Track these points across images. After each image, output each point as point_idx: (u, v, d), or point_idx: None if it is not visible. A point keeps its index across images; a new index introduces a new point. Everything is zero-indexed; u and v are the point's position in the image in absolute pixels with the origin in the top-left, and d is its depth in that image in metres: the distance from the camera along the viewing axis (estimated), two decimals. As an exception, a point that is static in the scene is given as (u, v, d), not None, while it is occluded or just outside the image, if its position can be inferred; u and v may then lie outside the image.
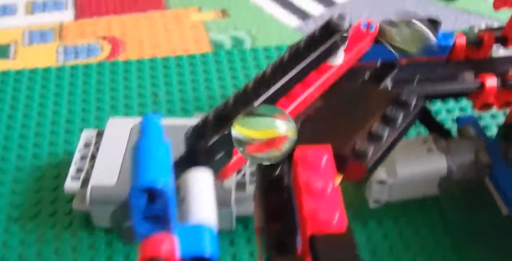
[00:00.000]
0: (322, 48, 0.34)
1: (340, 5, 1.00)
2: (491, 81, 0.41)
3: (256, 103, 0.32)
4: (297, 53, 0.35)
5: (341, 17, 0.35)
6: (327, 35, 0.35)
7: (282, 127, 0.29)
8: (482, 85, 0.41)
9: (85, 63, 0.85)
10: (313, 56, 0.34)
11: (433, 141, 0.56)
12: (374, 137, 0.33)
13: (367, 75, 0.38)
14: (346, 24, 0.35)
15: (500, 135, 0.63)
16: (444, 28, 0.55)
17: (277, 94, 0.34)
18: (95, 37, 0.91)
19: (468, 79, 0.42)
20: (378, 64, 0.39)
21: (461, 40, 0.44)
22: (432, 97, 0.42)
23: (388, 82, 0.39)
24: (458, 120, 0.63)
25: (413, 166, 0.53)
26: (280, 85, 0.33)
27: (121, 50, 0.88)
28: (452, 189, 0.56)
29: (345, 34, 0.35)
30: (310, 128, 0.33)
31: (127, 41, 0.90)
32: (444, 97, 0.45)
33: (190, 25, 0.93)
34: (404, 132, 0.35)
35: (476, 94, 0.42)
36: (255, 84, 0.33)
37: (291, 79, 0.34)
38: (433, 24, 0.42)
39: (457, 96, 0.47)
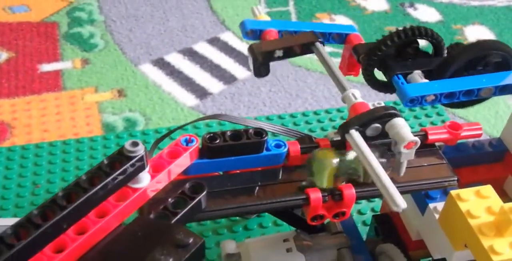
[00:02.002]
0: (113, 176, 0.33)
1: (241, 81, 1.01)
2: (315, 195, 0.41)
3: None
4: (94, 177, 0.33)
5: (135, 143, 0.35)
6: (120, 162, 0.34)
7: None
8: (307, 199, 0.41)
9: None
10: (105, 183, 0.33)
11: (294, 239, 0.54)
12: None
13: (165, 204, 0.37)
14: (139, 150, 0.34)
15: (371, 228, 0.63)
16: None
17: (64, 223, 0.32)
18: (-18, 121, 0.88)
19: (295, 191, 0.41)
20: (187, 185, 0.38)
21: (295, 148, 0.44)
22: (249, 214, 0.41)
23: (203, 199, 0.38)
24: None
25: (271, 269, 0.52)
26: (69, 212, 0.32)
27: (8, 136, 0.85)
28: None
29: (137, 161, 0.34)
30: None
31: (16, 125, 0.88)
32: (265, 212, 0.44)
33: (84, 107, 0.91)
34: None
35: (305, 206, 0.42)
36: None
37: (81, 205, 0.32)
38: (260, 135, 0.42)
39: (283, 210, 0.46)
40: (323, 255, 0.54)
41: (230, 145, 0.40)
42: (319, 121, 0.90)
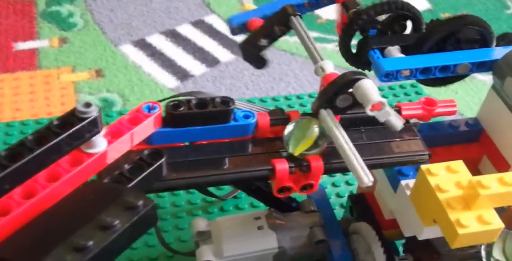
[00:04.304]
0: (62, 137, 0.33)
1: (224, 64, 1.02)
2: (281, 165, 0.41)
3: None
4: (41, 137, 0.33)
5: (87, 104, 0.35)
6: (71, 123, 0.34)
7: None
8: (273, 169, 0.41)
9: None
10: (53, 144, 0.33)
11: (266, 217, 0.55)
12: (77, 248, 0.30)
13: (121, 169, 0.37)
14: (92, 112, 0.35)
15: (346, 209, 0.64)
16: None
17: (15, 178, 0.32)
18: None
19: (262, 162, 0.42)
20: (146, 151, 0.39)
21: (264, 120, 0.45)
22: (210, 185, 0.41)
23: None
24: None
25: (241, 246, 0.53)
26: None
27: (-21, 114, 0.85)
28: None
29: (90, 123, 0.34)
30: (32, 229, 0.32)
31: (-12, 104, 0.88)
32: (229, 184, 0.44)
33: (59, 87, 0.91)
34: (129, 237, 0.32)
35: (272, 178, 0.42)
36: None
37: (26, 166, 0.32)
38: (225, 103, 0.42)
39: (251, 181, 0.46)
40: (295, 233, 0.55)
41: (195, 114, 0.41)
42: (301, 105, 0.91)
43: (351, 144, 0.41)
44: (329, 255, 0.55)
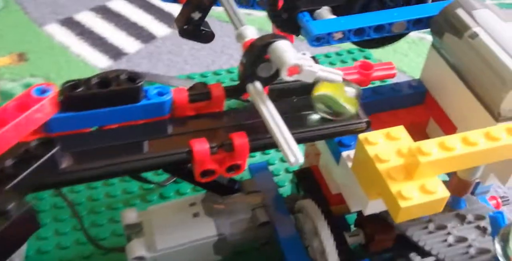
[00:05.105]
0: None
1: (161, 39, 0.96)
2: (200, 146, 0.37)
3: None
4: None
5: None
6: None
7: None
8: (190, 151, 0.37)
9: None
10: None
11: (202, 202, 0.51)
12: None
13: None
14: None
15: (293, 185, 0.61)
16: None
17: None
18: None
19: (180, 144, 0.38)
20: (34, 142, 0.34)
21: (181, 96, 0.40)
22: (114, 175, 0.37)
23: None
24: (250, 170, 0.60)
25: (176, 237, 0.49)
26: None
27: None
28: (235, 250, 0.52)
29: None
30: None
31: None
32: (144, 171, 0.39)
33: (-23, 74, 0.84)
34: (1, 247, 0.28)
35: (193, 161, 0.38)
36: None
37: None
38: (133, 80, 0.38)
39: (170, 166, 0.42)
40: (235, 218, 0.51)
41: (96, 94, 0.36)
42: (244, 77, 0.87)
43: (279, 120, 0.37)
44: (275, 237, 0.52)
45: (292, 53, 0.35)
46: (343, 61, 0.90)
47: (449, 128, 0.51)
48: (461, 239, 0.49)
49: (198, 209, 0.51)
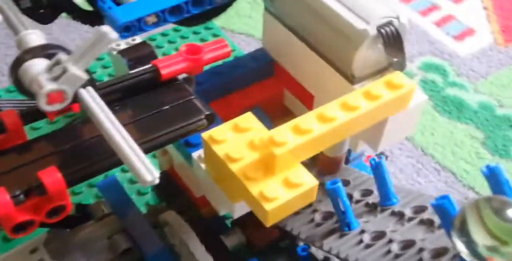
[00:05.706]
0: None
1: None
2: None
3: None
4: None
5: None
6: None
7: None
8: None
9: None
10: None
11: (45, 245, 0.43)
12: None
13: None
14: None
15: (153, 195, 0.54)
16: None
17: None
18: None
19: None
20: None
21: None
22: None
23: None
24: (99, 189, 0.51)
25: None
26: None
27: None
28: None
29: None
30: None
31: None
32: None
33: None
34: None
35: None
36: None
37: None
38: None
39: None
40: (90, 253, 0.43)
41: None
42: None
43: (123, 131, 0.30)
44: (144, 257, 0.45)
45: (45, 76, 0.28)
46: (171, 42, 0.81)
47: (306, 97, 0.46)
48: (408, 244, 0.37)
49: (41, 254, 0.42)
